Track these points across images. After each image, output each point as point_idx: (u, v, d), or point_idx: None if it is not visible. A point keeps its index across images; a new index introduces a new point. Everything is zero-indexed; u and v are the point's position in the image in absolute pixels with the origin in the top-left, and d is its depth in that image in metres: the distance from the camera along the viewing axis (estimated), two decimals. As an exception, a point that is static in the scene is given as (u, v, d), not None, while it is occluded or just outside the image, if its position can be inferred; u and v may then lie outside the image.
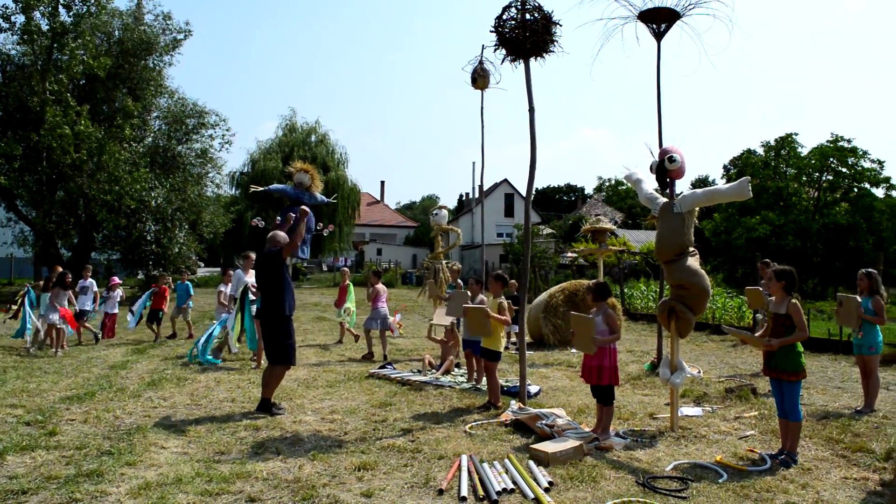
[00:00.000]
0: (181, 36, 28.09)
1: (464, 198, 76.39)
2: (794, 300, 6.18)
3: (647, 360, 11.65)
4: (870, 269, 8.58)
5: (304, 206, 8.14)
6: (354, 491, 5.14)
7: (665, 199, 7.41)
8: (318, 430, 6.87)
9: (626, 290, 23.33)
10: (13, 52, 26.09)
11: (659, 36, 10.22)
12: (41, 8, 23.72)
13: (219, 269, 47.70)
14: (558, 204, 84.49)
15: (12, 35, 24.66)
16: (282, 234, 8.04)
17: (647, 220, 39.84)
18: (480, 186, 11.90)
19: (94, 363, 10.95)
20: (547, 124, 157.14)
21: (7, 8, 23.87)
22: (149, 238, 25.25)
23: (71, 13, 24.65)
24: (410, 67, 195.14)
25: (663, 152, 7.36)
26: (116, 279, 14.97)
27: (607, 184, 79.26)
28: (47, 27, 24.03)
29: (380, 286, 12.48)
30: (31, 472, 5.43)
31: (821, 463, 6.09)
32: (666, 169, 7.25)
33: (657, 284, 22.05)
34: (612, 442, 6.50)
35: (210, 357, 10.88)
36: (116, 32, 27.09)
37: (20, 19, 23.88)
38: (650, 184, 7.93)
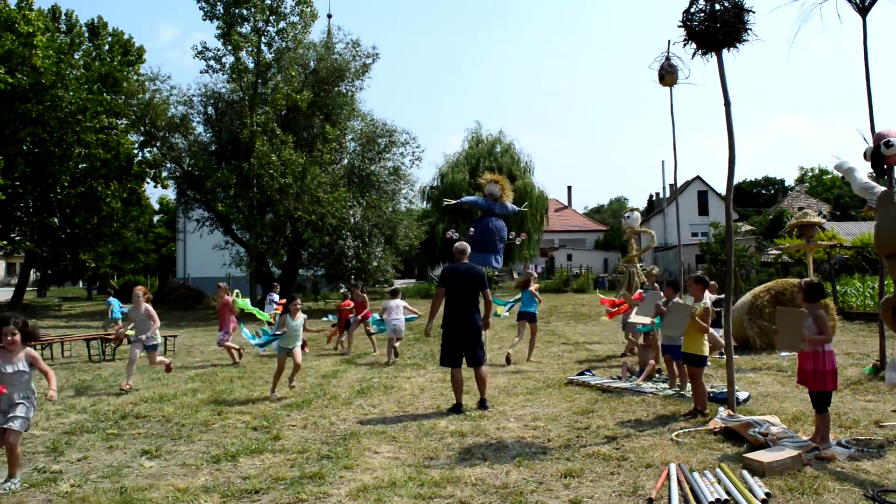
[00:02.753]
0: (369, 60, 29.40)
1: (653, 198, 74.44)
2: None
3: (868, 362, 10.76)
4: None
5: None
6: (562, 498, 5.15)
7: (884, 188, 6.85)
8: (522, 437, 6.95)
9: (838, 288, 21.64)
10: (223, 90, 28.61)
11: (864, 11, 9.50)
12: (248, 48, 25.88)
13: (413, 280, 49.59)
14: (755, 199, 79.98)
15: (222, 74, 27.12)
16: (464, 245, 8.85)
17: (864, 211, 36.68)
18: (673, 185, 11.54)
19: (307, 373, 11.70)
20: (739, 115, 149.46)
21: (219, 51, 26.29)
22: (349, 254, 26.68)
23: (272, 50, 26.72)
24: (589, 69, 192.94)
25: (878, 137, 6.83)
26: (275, 296, 14.75)
27: (810, 174, 74.07)
28: (252, 65, 26.19)
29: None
30: (261, 473, 5.91)
31: None
32: (883, 155, 6.71)
33: (875, 280, 20.27)
34: (834, 451, 6.06)
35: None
36: (312, 63, 28.90)
37: (229, 60, 26.23)
38: (864, 172, 7.37)
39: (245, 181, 25.48)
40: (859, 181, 7.28)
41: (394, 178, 30.45)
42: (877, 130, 7.31)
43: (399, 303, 13.39)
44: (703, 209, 58.31)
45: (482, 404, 8.39)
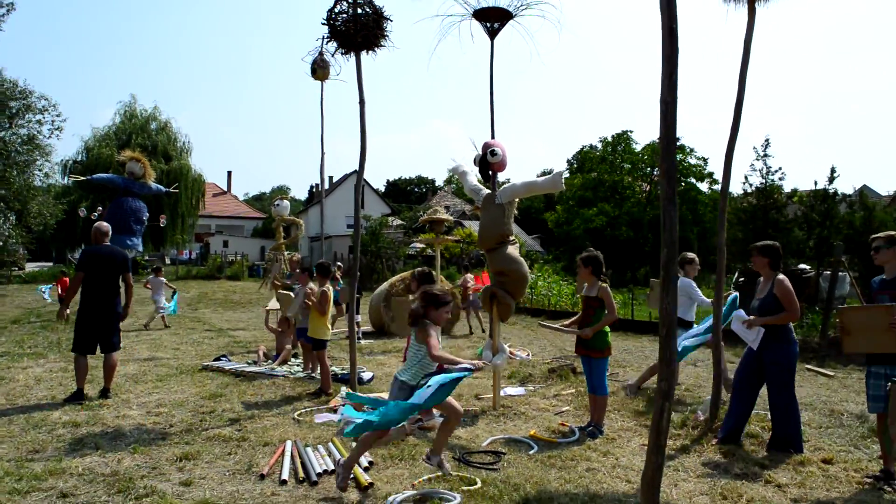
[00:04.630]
0: (2, 11, 26.11)
1: (314, 188, 75.71)
2: (603, 284, 6.71)
3: (481, 344, 12.13)
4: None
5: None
6: (173, 481, 5.14)
7: (488, 191, 7.79)
8: (142, 424, 6.76)
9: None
10: None
11: (492, 34, 10.64)
12: None
13: (50, 263, 44.95)
14: (409, 196, 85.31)
15: None
16: (105, 226, 8.31)
17: (472, 210, 40.94)
18: (326, 177, 11.91)
19: None
20: (401, 116, 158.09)
21: None
22: (-34, 231, 23.49)
23: None
24: (259, 55, 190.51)
25: (486, 146, 7.73)
26: None
27: (456, 176, 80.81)
28: None
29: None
30: None
31: (624, 433, 6.68)
32: (488, 162, 7.63)
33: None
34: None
35: None
36: (-74, 7, 24.88)
37: None
38: (474, 176, 8.32)
39: None
40: (470, 184, 8.23)
41: (28, 149, 27.27)
42: (485, 141, 8.26)
43: (162, 279, 15.43)
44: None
45: (104, 393, 8.01)
